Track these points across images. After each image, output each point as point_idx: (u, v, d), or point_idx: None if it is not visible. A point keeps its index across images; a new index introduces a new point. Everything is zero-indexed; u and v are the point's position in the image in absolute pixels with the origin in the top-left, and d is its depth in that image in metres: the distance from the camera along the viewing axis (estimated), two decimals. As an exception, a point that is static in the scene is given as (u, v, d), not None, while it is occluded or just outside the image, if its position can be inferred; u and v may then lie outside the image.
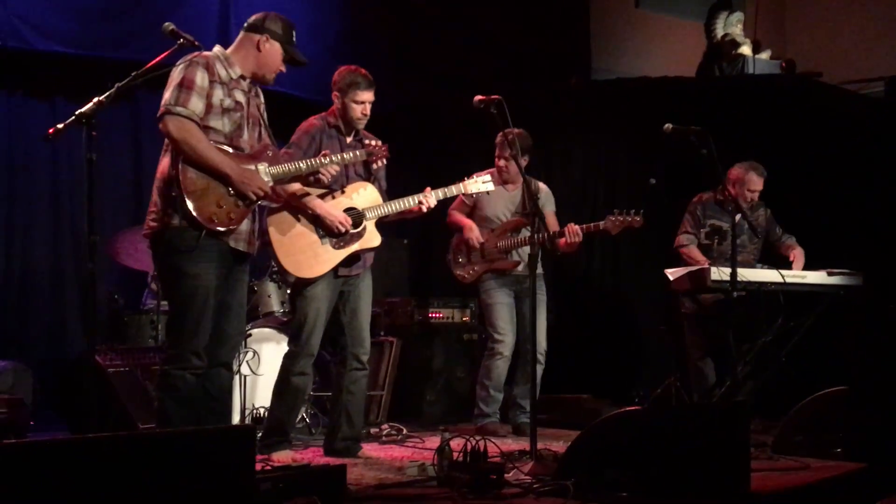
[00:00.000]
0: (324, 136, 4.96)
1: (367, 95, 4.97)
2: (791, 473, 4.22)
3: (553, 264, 6.41)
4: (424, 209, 5.03)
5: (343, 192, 4.93)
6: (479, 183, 5.29)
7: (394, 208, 4.99)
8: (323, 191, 4.85)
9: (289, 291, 5.38)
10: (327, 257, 4.85)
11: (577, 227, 5.76)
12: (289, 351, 4.97)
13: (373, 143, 4.86)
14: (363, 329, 5.06)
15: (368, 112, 5.00)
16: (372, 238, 4.96)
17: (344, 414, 5.01)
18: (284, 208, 4.77)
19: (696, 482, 3.58)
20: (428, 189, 5.08)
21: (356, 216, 4.89)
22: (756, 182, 6.20)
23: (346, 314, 5.02)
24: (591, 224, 5.88)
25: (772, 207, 6.48)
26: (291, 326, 5.02)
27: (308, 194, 4.75)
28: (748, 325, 5.99)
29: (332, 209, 4.81)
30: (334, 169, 4.73)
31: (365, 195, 4.96)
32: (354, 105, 4.96)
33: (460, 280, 6.15)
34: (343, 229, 4.81)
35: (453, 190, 5.23)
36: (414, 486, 3.99)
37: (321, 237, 4.84)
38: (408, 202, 5.01)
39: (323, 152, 4.76)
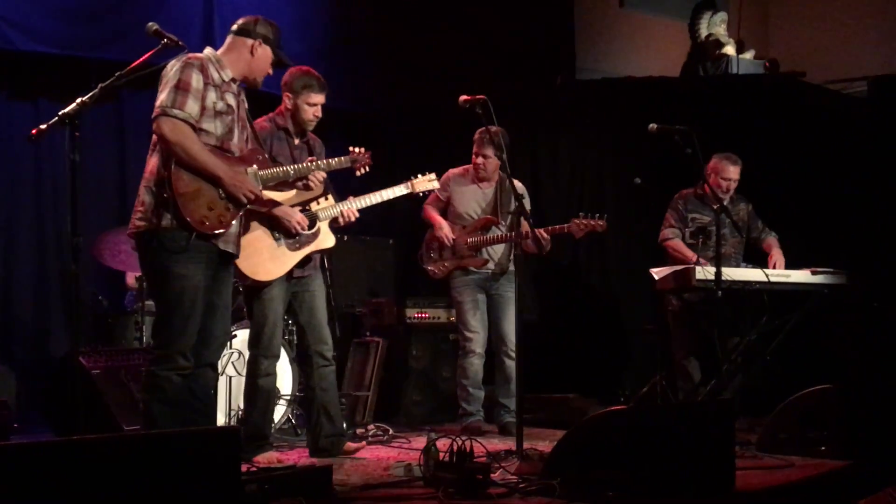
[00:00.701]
0: (273, 140, 4.97)
1: (320, 98, 4.99)
2: (775, 471, 4.24)
3: (539, 262, 6.42)
4: (353, 219, 5.06)
5: (327, 198, 4.95)
6: (426, 182, 5.31)
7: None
8: (312, 195, 4.86)
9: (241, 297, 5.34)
10: (284, 259, 4.88)
11: (542, 231, 5.76)
12: (251, 355, 4.99)
13: (356, 150, 4.86)
14: (323, 326, 5.08)
15: (320, 114, 5.02)
16: (326, 239, 5.00)
17: (322, 412, 5.02)
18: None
19: (681, 480, 3.59)
20: (350, 198, 5.08)
21: (310, 217, 4.92)
22: (728, 170, 6.20)
23: (305, 313, 5.04)
24: (557, 226, 5.91)
25: (756, 206, 6.50)
26: (250, 330, 5.01)
27: (270, 198, 4.73)
28: (733, 322, 6.01)
29: (290, 210, 4.82)
30: (322, 175, 4.75)
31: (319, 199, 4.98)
32: (307, 107, 4.97)
33: (431, 276, 6.21)
34: (301, 229, 4.84)
35: (400, 190, 5.23)
36: (400, 486, 3.98)
37: (277, 240, 4.86)
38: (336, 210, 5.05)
39: (309, 158, 4.82)
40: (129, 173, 6.85)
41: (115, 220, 6.72)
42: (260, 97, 5.16)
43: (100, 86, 3.76)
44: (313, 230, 4.93)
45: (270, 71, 4.33)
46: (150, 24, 3.96)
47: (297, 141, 5.04)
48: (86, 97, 3.68)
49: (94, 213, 6.65)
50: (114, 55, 6.12)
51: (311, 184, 4.73)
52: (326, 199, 4.96)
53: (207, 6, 6.88)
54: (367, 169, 4.91)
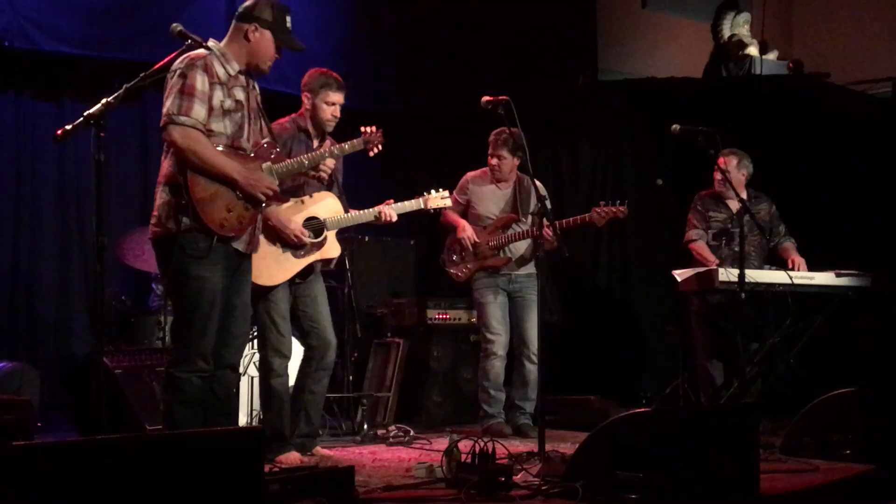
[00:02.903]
0: (294, 142, 4.99)
1: (338, 97, 5.00)
2: (800, 475, 4.20)
3: (560, 263, 6.40)
4: (383, 221, 5.12)
5: (308, 198, 4.97)
6: (439, 199, 5.34)
7: (355, 220, 5.06)
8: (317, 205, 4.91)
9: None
10: (288, 266, 4.88)
11: (558, 223, 5.73)
12: (261, 357, 5.00)
13: (367, 129, 4.87)
14: (328, 330, 5.07)
15: (338, 114, 5.03)
16: (331, 248, 5.00)
17: (303, 412, 5.03)
18: None
19: (704, 484, 3.57)
20: (390, 201, 5.13)
21: (317, 226, 4.92)
22: (720, 160, 6.04)
23: (308, 315, 5.03)
24: (578, 217, 5.90)
25: (780, 207, 6.45)
26: (258, 332, 5.02)
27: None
28: (756, 325, 5.98)
29: (289, 222, 4.82)
30: (332, 162, 4.82)
31: (327, 205, 4.98)
32: (325, 106, 4.98)
33: (454, 279, 6.19)
34: (299, 241, 4.83)
35: (413, 204, 5.26)
36: (422, 487, 3.98)
37: (283, 246, 4.86)
38: (367, 215, 5.07)
39: (326, 143, 4.89)
40: (152, 174, 6.77)
41: (138, 220, 6.75)
42: (284, 98, 5.19)
43: (124, 86, 3.76)
44: (320, 239, 4.92)
45: (277, 55, 4.18)
46: (175, 24, 3.96)
47: (315, 143, 5.06)
48: (110, 98, 3.68)
49: (117, 214, 6.69)
50: (137, 56, 6.15)
51: (323, 172, 4.78)
52: (308, 199, 4.96)
53: (230, 7, 6.89)
54: (381, 148, 4.91)
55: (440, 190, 5.40)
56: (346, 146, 4.81)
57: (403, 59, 7.76)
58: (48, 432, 5.52)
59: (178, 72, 3.95)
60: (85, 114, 3.63)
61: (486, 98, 4.75)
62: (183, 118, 3.90)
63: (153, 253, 6.01)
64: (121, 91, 3.73)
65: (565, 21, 8.40)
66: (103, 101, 3.66)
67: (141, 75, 3.85)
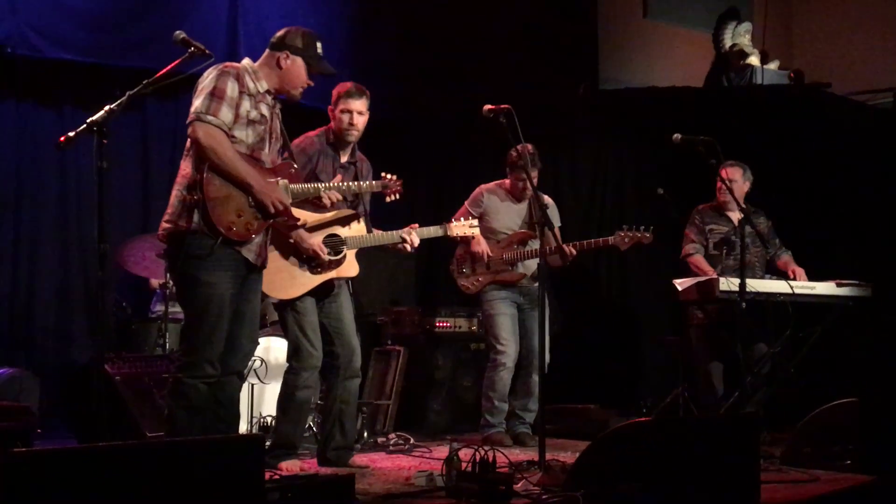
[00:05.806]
0: (321, 157, 4.97)
1: (356, 104, 4.95)
2: (800, 486, 4.20)
3: (561, 274, 6.40)
4: (409, 249, 5.06)
5: (358, 222, 4.95)
6: (467, 227, 5.29)
7: (377, 241, 5.01)
8: (335, 216, 4.88)
9: (274, 308, 5.33)
10: (303, 281, 4.85)
11: (569, 247, 5.70)
12: (290, 366, 4.95)
13: (388, 176, 4.87)
14: (352, 336, 5.05)
15: (357, 122, 4.97)
16: (349, 268, 4.97)
17: (337, 423, 4.99)
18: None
19: (705, 494, 3.56)
20: (415, 225, 5.08)
21: (337, 244, 4.89)
22: (724, 171, 6.07)
23: (332, 323, 5.01)
24: (600, 239, 5.89)
25: (780, 218, 6.46)
26: (289, 342, 4.99)
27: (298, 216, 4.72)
28: (757, 334, 5.98)
29: (308, 236, 4.80)
30: (335, 196, 4.75)
31: (350, 225, 4.94)
32: (342, 115, 4.96)
33: (464, 290, 6.16)
34: (316, 256, 4.80)
35: (436, 231, 5.20)
36: (422, 496, 3.98)
37: (299, 261, 4.84)
38: (391, 237, 5.02)
39: (338, 176, 4.87)
40: (153, 181, 6.89)
41: (138, 227, 6.75)
42: (306, 112, 5.20)
43: (128, 93, 3.77)
44: (338, 256, 4.89)
45: (310, 82, 4.33)
46: (178, 32, 3.97)
47: (343, 159, 5.03)
48: (114, 105, 3.68)
49: (117, 220, 6.69)
50: (139, 63, 6.16)
51: (325, 201, 4.73)
52: (358, 222, 4.95)
53: (232, 14, 6.91)
54: (398, 196, 4.91)
55: (469, 218, 5.39)
56: (364, 185, 4.83)
57: (405, 67, 7.76)
58: (48, 439, 5.52)
59: (211, 76, 4.06)
60: (88, 121, 3.63)
61: (487, 106, 4.76)
62: (210, 117, 3.98)
63: (155, 260, 6.08)
64: (124, 98, 3.74)
65: (566, 30, 8.40)
66: (106, 108, 3.66)
67: (144, 82, 3.86)
